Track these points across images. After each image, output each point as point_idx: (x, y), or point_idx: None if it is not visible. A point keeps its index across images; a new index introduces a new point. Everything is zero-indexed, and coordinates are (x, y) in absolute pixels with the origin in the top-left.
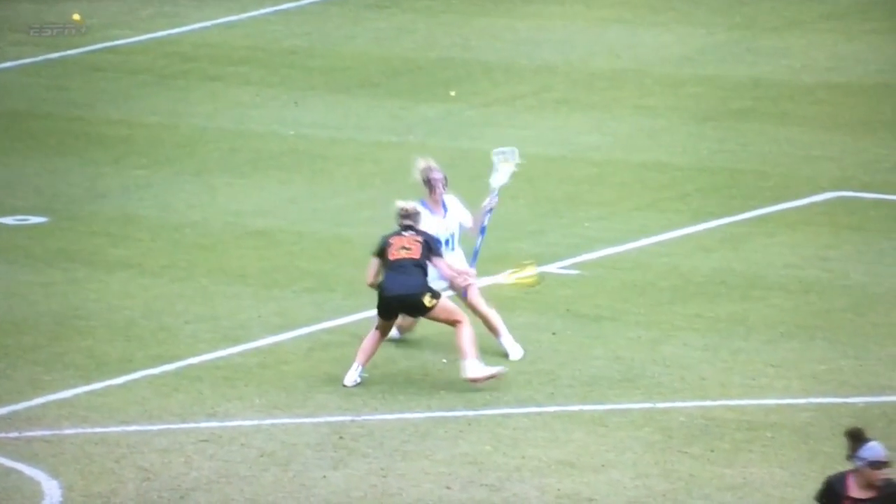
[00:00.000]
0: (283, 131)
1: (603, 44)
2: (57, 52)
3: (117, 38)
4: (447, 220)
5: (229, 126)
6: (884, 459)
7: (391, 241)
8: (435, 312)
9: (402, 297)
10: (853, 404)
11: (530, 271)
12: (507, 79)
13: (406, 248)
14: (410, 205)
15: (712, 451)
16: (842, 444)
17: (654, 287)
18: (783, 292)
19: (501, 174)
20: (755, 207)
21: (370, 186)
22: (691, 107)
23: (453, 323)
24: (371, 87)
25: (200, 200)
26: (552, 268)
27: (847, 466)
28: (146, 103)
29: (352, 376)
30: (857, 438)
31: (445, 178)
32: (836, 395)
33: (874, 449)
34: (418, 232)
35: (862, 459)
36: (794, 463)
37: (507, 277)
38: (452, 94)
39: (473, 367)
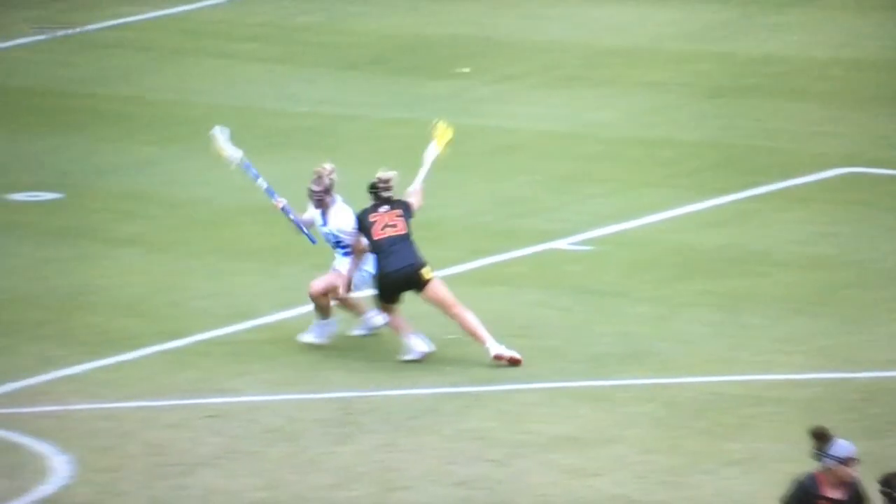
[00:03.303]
0: (294, 108)
1: (613, 20)
2: (69, 29)
3: (128, 15)
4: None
5: (240, 103)
6: (855, 456)
7: (372, 218)
8: (432, 289)
9: (402, 271)
10: (860, 379)
11: (442, 130)
12: (518, 55)
13: (390, 224)
14: (388, 174)
15: (718, 426)
16: (849, 419)
17: (662, 263)
18: (791, 268)
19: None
20: (764, 183)
21: (381, 163)
22: (701, 83)
23: (448, 309)
24: (382, 63)
25: (210, 177)
26: (561, 244)
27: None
28: (157, 80)
29: (419, 345)
30: (824, 438)
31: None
32: (842, 371)
33: (845, 446)
34: (393, 204)
35: (833, 457)
36: (800, 438)
37: (436, 149)
38: (466, 70)
39: (495, 346)
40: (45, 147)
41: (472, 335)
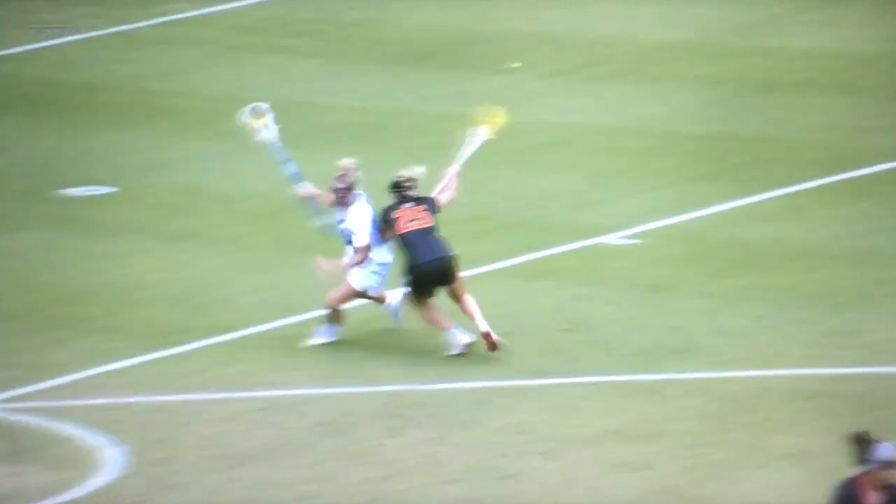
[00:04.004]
0: (345, 103)
1: (663, 15)
2: (124, 25)
3: (183, 11)
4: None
5: (292, 98)
6: None
7: (395, 214)
8: (460, 281)
9: (437, 263)
10: None
11: (496, 114)
12: (568, 50)
13: (415, 219)
14: (413, 173)
15: (768, 420)
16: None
17: (711, 257)
18: (841, 262)
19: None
20: (814, 178)
21: (431, 157)
22: (751, 77)
23: (461, 295)
24: (432, 58)
25: (262, 172)
26: (611, 238)
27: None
28: (211, 75)
29: (462, 338)
30: (865, 441)
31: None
32: (892, 365)
33: (889, 449)
34: (417, 201)
35: (877, 461)
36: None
37: (486, 135)
38: (517, 65)
39: (484, 324)
40: (100, 142)
41: (469, 315)
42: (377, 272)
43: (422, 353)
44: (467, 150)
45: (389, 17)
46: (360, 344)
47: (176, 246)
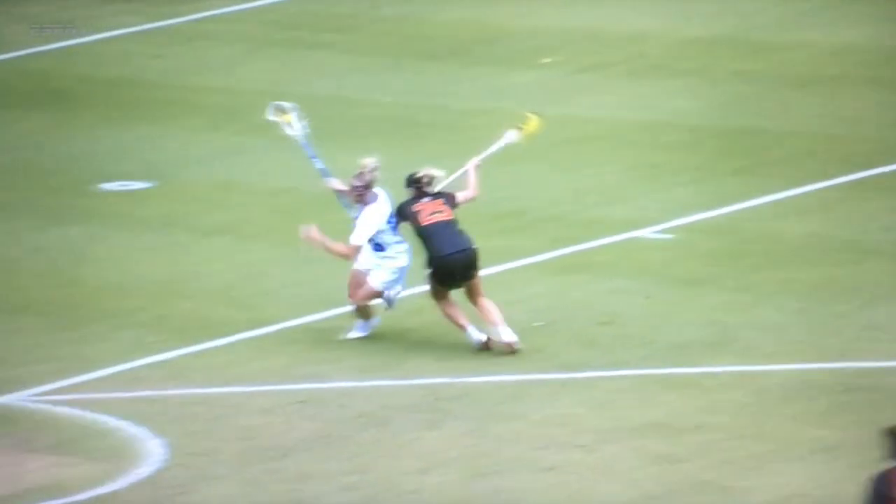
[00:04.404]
0: (378, 99)
1: (698, 9)
2: (159, 21)
3: (218, 7)
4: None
5: (326, 93)
6: None
7: (416, 208)
8: (478, 277)
9: (461, 255)
10: None
11: (534, 122)
12: (600, 45)
13: (436, 211)
14: (431, 171)
15: (807, 413)
16: None
17: (747, 251)
18: (877, 256)
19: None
20: (850, 172)
21: (463, 153)
22: (786, 72)
23: (480, 298)
24: (465, 54)
25: (297, 166)
26: (645, 232)
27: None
28: (246, 71)
29: (477, 337)
30: None
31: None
32: None
33: None
34: (435, 196)
35: None
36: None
37: (517, 138)
38: (548, 60)
39: (508, 333)
40: (137, 137)
41: (490, 323)
42: (396, 274)
43: (459, 346)
44: (492, 148)
45: (423, 12)
46: (398, 338)
47: (214, 240)
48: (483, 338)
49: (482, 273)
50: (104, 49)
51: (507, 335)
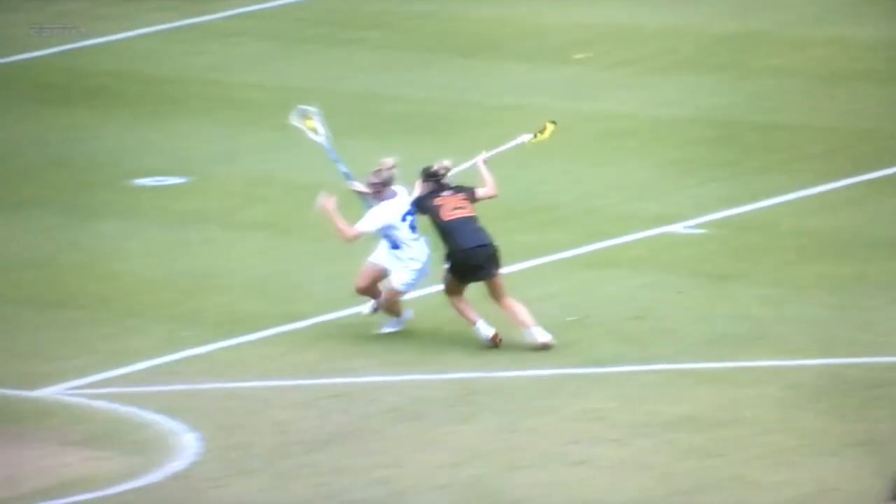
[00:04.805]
0: (410, 94)
1: (731, 4)
2: (193, 17)
3: (251, 4)
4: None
5: (357, 89)
6: None
7: (437, 201)
8: (500, 276)
9: (482, 250)
10: None
11: (550, 130)
12: (634, 41)
13: (458, 207)
14: (445, 163)
15: (840, 407)
16: None
17: (779, 246)
18: None
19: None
20: (882, 167)
21: (495, 148)
22: (818, 68)
23: (503, 297)
24: (498, 50)
25: (327, 162)
26: (678, 227)
27: None
28: (279, 67)
29: (486, 333)
30: None
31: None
32: None
33: None
34: (455, 189)
35: None
36: None
37: (527, 141)
38: (580, 56)
39: (541, 333)
40: (171, 133)
41: (521, 325)
42: (416, 275)
43: None
44: (503, 147)
45: (454, 8)
46: (431, 332)
47: (248, 235)
48: (490, 333)
49: (507, 270)
50: (139, 46)
51: (541, 336)
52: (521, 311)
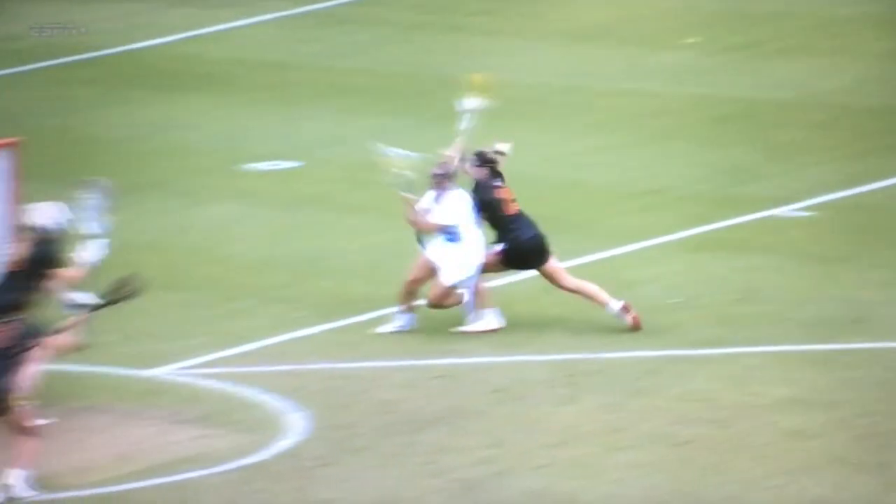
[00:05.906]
0: (520, 79)
1: None
2: (308, 5)
3: None
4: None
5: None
6: None
7: (498, 196)
8: (554, 259)
9: (537, 240)
10: None
11: (475, 79)
12: (746, 24)
13: (514, 199)
14: (503, 146)
15: None
16: None
17: (887, 229)
18: None
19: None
20: None
21: (604, 133)
22: None
23: (564, 280)
24: (610, 34)
25: (439, 145)
26: (784, 210)
27: None
28: (390, 53)
29: (493, 322)
30: None
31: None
32: None
33: None
34: (503, 178)
35: None
36: None
37: (476, 102)
38: (692, 40)
39: (616, 302)
40: (284, 118)
41: (594, 299)
42: (472, 272)
43: (595, 322)
44: (462, 124)
45: None
46: (533, 314)
47: (357, 218)
48: (495, 325)
49: (613, 253)
50: (255, 33)
51: (615, 305)
52: (594, 289)
